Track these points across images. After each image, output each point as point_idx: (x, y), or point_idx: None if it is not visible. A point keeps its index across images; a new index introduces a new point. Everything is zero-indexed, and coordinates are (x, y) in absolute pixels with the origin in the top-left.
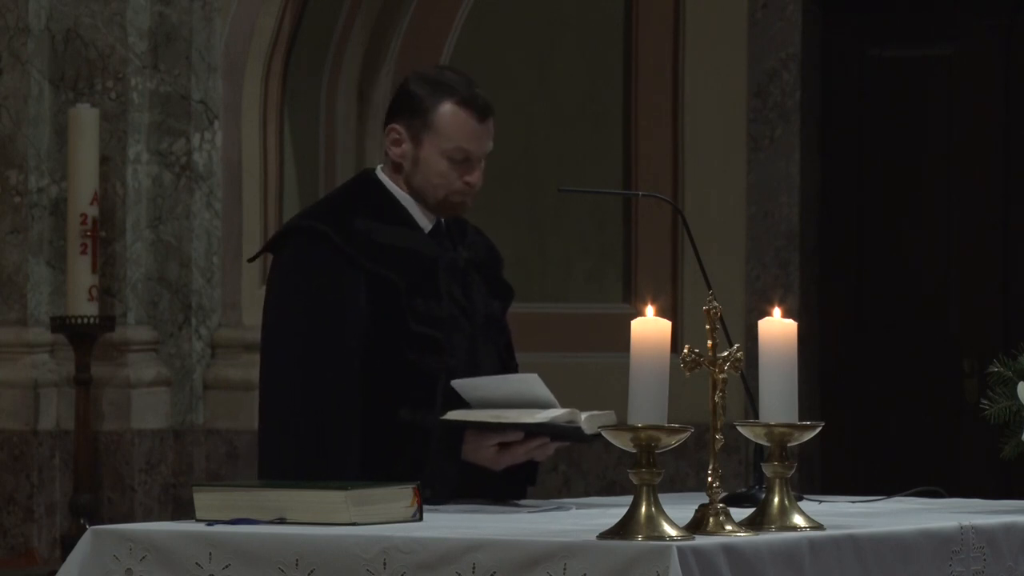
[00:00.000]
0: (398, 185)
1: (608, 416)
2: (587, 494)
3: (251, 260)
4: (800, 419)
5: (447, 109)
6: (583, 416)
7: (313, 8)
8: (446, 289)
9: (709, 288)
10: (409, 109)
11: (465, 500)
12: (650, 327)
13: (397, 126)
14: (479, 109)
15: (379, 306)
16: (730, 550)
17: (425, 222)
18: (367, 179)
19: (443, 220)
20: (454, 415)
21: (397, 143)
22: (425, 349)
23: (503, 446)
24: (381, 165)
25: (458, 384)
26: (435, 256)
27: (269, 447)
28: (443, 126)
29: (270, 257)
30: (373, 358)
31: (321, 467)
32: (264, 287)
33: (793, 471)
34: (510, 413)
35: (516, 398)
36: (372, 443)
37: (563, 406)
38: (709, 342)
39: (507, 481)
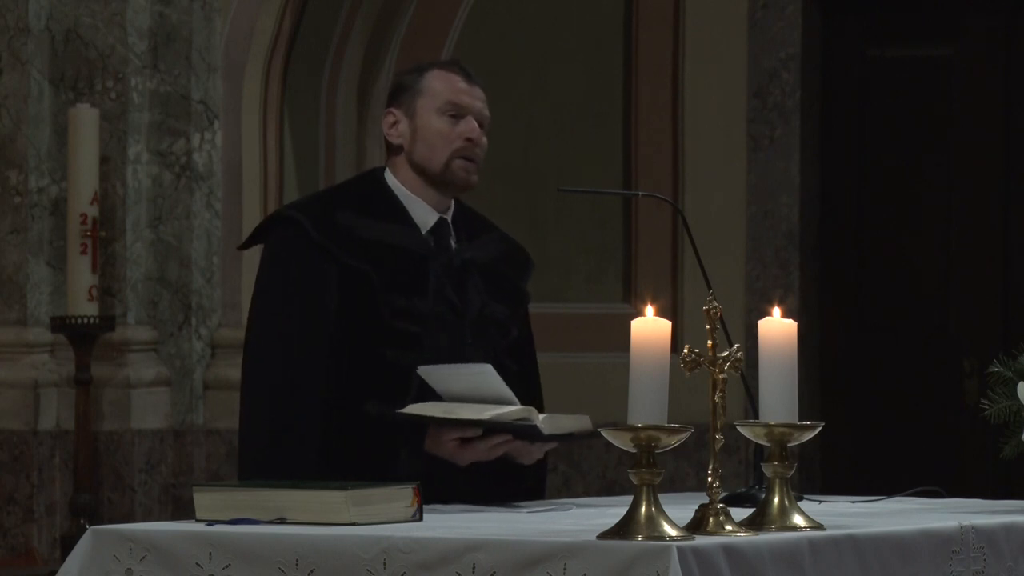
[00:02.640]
0: (401, 180)
1: (579, 420)
2: (587, 494)
3: (241, 248)
4: (800, 419)
5: (433, 73)
6: (541, 416)
7: (313, 8)
8: (436, 287)
9: (709, 288)
10: (400, 91)
11: (468, 501)
12: (650, 327)
13: (392, 109)
14: (464, 71)
15: (352, 299)
16: (730, 550)
17: (426, 219)
18: (370, 176)
19: (451, 219)
20: (409, 409)
21: (394, 125)
22: (400, 344)
23: (464, 441)
24: (387, 166)
25: (422, 370)
26: (424, 253)
27: (240, 435)
28: (432, 87)
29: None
30: (347, 352)
31: (277, 457)
32: None
33: (793, 471)
34: (462, 409)
35: (473, 390)
36: (338, 435)
37: (563, 406)
38: (709, 342)
39: (502, 486)
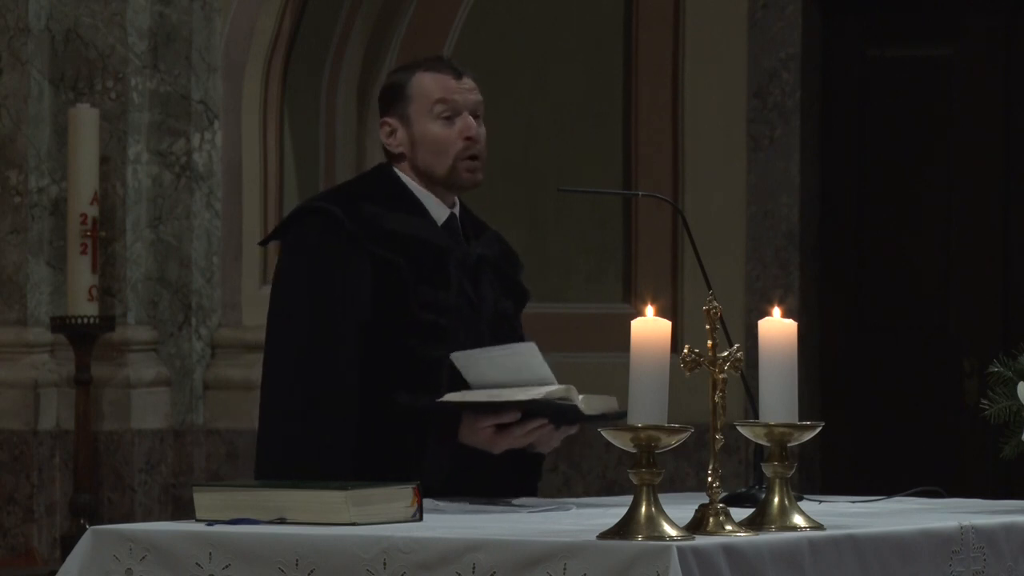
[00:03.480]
0: (411, 178)
1: (608, 401)
2: (587, 494)
3: (262, 243)
4: (800, 419)
5: (418, 76)
6: (580, 397)
7: (313, 8)
8: (456, 280)
9: (709, 288)
10: (390, 98)
11: (467, 499)
12: (650, 327)
13: (387, 118)
14: (450, 68)
15: (384, 290)
16: (730, 550)
17: (439, 213)
18: (382, 171)
19: (458, 215)
20: (450, 397)
21: (392, 134)
22: (429, 336)
23: (500, 428)
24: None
25: (455, 356)
26: (446, 246)
27: (265, 427)
28: (420, 90)
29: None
30: (376, 342)
31: (313, 450)
32: (270, 284)
33: (793, 471)
34: (505, 392)
35: (514, 371)
36: (370, 425)
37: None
38: (709, 342)
39: (513, 477)
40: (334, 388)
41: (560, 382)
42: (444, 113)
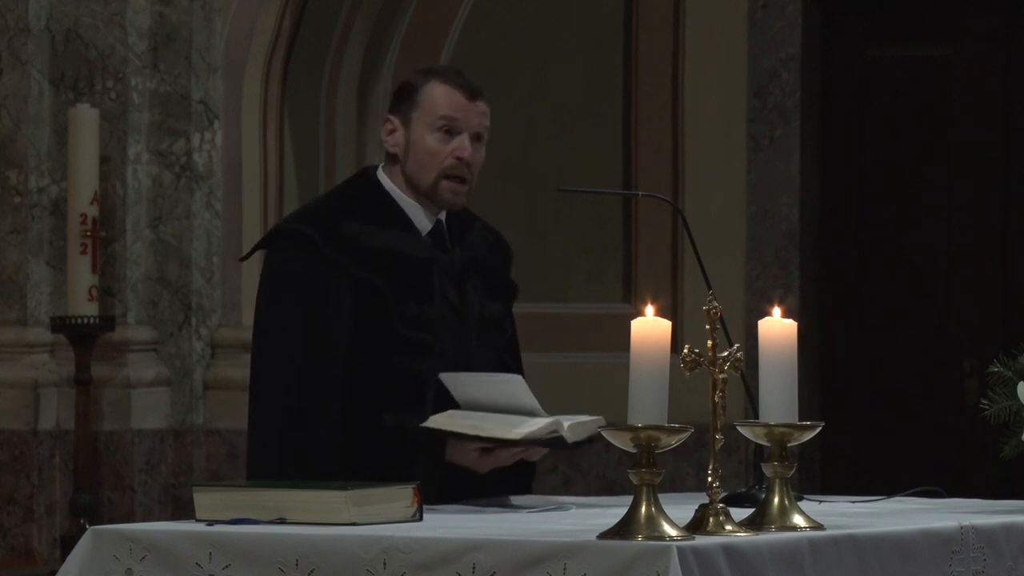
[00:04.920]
0: (396, 184)
1: (596, 422)
2: (587, 494)
3: (242, 259)
4: (800, 419)
5: (432, 85)
6: (566, 425)
7: (313, 8)
8: (439, 291)
9: (709, 288)
10: (401, 97)
11: (466, 501)
12: (650, 327)
13: (391, 116)
14: (466, 86)
15: (365, 311)
16: (730, 550)
17: (424, 223)
18: (366, 179)
19: (444, 219)
20: (434, 422)
21: (391, 132)
22: (413, 353)
23: (485, 450)
24: (382, 164)
25: (445, 377)
26: (428, 258)
27: (253, 456)
28: (428, 100)
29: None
30: (360, 363)
31: (309, 449)
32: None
33: (793, 471)
34: (489, 423)
35: (500, 400)
36: (359, 448)
37: (563, 406)
38: (709, 342)
39: (506, 482)
40: (329, 391)
41: (560, 382)
42: (444, 127)
